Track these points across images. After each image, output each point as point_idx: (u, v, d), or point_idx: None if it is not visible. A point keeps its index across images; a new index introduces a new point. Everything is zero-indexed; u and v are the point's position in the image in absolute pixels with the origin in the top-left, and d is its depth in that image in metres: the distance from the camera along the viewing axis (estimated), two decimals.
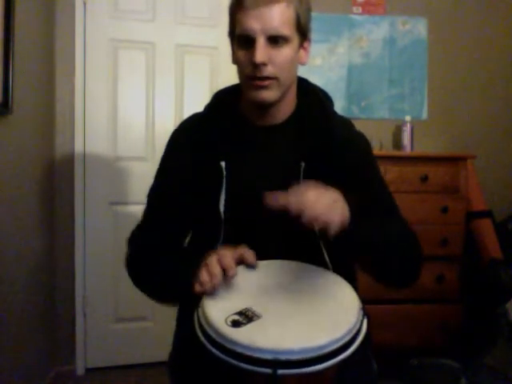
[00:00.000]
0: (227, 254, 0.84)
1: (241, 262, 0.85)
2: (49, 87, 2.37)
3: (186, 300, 0.83)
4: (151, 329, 2.54)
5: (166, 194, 1.06)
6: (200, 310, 0.76)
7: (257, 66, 0.92)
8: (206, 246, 0.98)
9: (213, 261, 0.82)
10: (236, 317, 0.72)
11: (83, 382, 2.41)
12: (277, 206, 0.78)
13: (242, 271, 0.84)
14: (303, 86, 1.09)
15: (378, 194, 1.05)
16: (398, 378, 2.24)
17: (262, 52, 0.91)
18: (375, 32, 2.79)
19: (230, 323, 0.71)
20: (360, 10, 2.77)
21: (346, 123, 1.09)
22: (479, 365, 2.14)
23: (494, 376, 2.07)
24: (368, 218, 0.88)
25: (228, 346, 0.68)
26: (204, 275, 0.81)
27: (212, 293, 0.79)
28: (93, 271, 2.48)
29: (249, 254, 0.85)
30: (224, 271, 0.81)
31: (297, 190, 0.79)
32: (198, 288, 0.81)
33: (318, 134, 1.02)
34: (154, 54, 2.54)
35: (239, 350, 0.67)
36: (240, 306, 0.75)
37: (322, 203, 0.77)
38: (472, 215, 2.44)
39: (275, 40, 0.93)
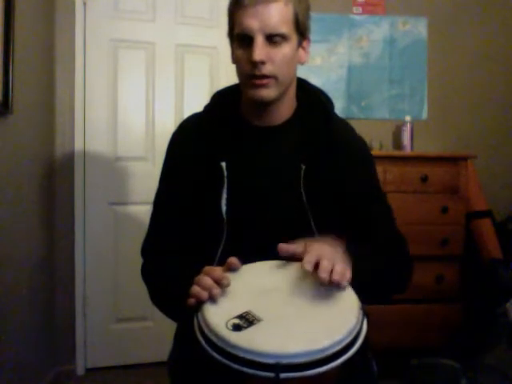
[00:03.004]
0: (215, 268, 0.83)
1: (227, 269, 0.85)
2: (49, 87, 2.37)
3: (188, 317, 0.82)
4: (151, 329, 2.54)
5: (171, 198, 1.06)
6: (200, 314, 0.76)
7: (255, 65, 0.92)
8: (209, 247, 0.98)
9: (201, 276, 0.81)
10: (236, 320, 0.72)
11: (83, 382, 2.41)
12: (288, 255, 0.83)
13: (236, 275, 0.84)
14: (303, 87, 1.09)
15: (374, 200, 1.06)
16: (398, 378, 2.24)
17: (260, 50, 0.91)
18: (375, 32, 2.79)
19: (230, 327, 0.70)
20: (360, 10, 2.77)
21: (345, 125, 1.10)
22: (479, 365, 2.14)
23: (494, 376, 2.07)
24: (362, 254, 0.89)
25: (229, 350, 0.67)
26: (195, 289, 0.80)
27: (207, 301, 0.78)
28: (93, 271, 2.48)
29: (231, 260, 0.84)
30: (217, 283, 0.79)
31: (310, 244, 0.82)
32: (190, 301, 0.80)
33: (318, 136, 1.02)
34: (153, 54, 2.54)
35: (241, 354, 0.66)
36: (240, 310, 0.74)
37: (339, 260, 0.80)
38: (472, 215, 2.44)
39: (274, 38, 0.93)
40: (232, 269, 0.84)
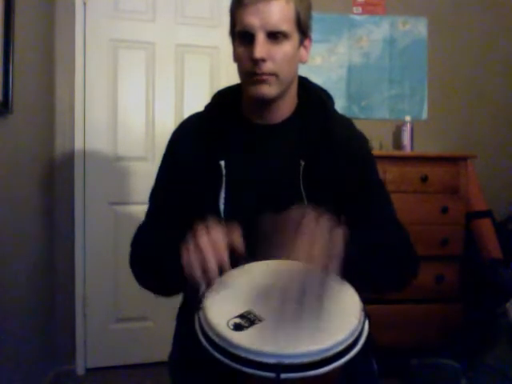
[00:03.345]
0: (220, 243, 0.80)
1: (230, 250, 0.83)
2: (49, 87, 2.37)
3: (184, 287, 0.81)
4: (151, 329, 2.54)
5: (167, 194, 1.06)
6: (201, 312, 0.76)
7: (256, 62, 0.93)
8: None
9: (208, 252, 0.79)
10: (238, 320, 0.72)
11: (83, 381, 2.41)
12: (273, 229, 0.79)
13: (238, 273, 0.83)
14: (304, 85, 1.09)
15: (375, 195, 1.05)
16: (398, 378, 2.24)
17: (261, 48, 0.92)
18: (375, 32, 2.79)
19: (232, 326, 0.70)
20: (360, 10, 2.77)
21: (346, 122, 1.09)
22: (479, 365, 2.13)
23: (494, 376, 2.07)
24: (363, 234, 0.87)
25: (230, 349, 0.67)
26: (196, 269, 0.78)
27: (208, 284, 0.78)
28: (93, 271, 2.48)
29: (238, 243, 0.83)
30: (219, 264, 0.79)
31: (295, 218, 0.79)
32: (188, 271, 0.79)
33: (318, 134, 1.02)
34: (153, 54, 2.54)
35: (242, 353, 0.66)
36: (241, 309, 0.74)
37: (318, 246, 0.76)
38: (472, 215, 2.44)
39: (275, 36, 0.93)
40: (239, 263, 0.83)
